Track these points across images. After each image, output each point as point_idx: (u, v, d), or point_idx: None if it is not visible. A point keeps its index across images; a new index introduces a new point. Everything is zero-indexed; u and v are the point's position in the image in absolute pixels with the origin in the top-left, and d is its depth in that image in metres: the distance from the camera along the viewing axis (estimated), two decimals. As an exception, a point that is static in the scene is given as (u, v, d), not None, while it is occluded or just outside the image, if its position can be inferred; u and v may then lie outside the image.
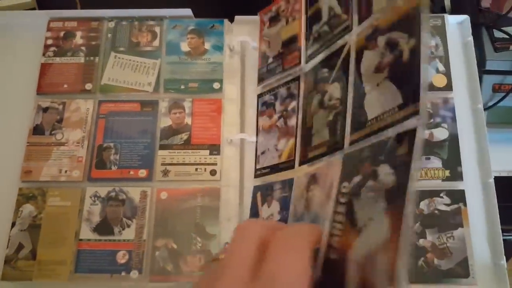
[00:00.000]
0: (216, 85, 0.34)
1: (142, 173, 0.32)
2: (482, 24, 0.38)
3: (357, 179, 0.18)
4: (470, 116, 0.34)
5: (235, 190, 0.32)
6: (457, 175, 0.32)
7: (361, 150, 0.19)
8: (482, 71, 0.38)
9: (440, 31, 0.35)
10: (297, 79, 0.29)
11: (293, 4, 0.32)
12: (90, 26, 0.37)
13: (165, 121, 0.34)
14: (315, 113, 0.25)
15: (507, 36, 0.38)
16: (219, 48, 0.35)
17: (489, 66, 0.38)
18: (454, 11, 0.38)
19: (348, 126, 0.21)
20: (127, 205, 0.32)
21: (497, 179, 0.32)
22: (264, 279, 0.13)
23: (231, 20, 0.36)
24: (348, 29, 0.23)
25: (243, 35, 0.35)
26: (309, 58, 0.28)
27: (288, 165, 0.28)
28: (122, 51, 0.36)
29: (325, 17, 0.27)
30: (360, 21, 0.22)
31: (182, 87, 0.34)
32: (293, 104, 0.29)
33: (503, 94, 0.38)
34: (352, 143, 0.20)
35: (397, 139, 0.17)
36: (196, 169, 0.32)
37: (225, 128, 0.33)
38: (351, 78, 0.22)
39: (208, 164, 0.32)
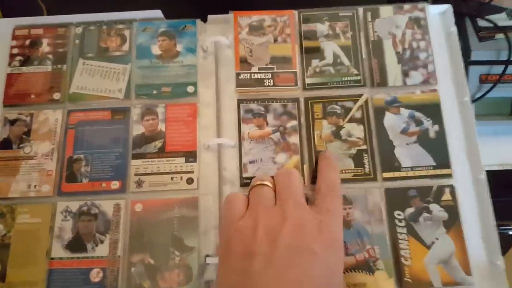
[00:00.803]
0: (190, 89, 0.32)
1: (115, 184, 0.30)
2: (464, 14, 0.37)
3: (410, 210, 0.29)
4: (457, 109, 0.32)
5: (214, 198, 0.30)
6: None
7: (406, 189, 0.29)
8: (468, 62, 0.36)
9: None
10: (295, 100, 0.32)
11: (282, 26, 0.33)
12: (56, 33, 0.35)
13: (137, 129, 0.32)
14: (330, 141, 0.30)
15: (491, 25, 0.36)
16: (192, 50, 0.33)
17: (475, 56, 0.36)
18: (434, 1, 0.36)
19: (379, 165, 0.30)
20: (100, 220, 0.30)
21: (488, 173, 0.30)
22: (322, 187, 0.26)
23: (204, 20, 0.34)
24: (361, 83, 0.32)
25: (216, 35, 0.33)
26: (309, 86, 0.32)
27: None
28: (90, 57, 0.34)
29: (329, 59, 0.32)
30: (375, 84, 0.32)
31: (155, 92, 0.32)
32: (293, 123, 0.31)
33: (491, 85, 0.36)
34: (386, 179, 0.30)
35: (440, 189, 0.29)
36: (172, 178, 0.30)
37: (201, 133, 0.31)
38: (373, 127, 0.31)
39: (185, 172, 0.30)
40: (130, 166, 0.31)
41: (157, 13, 0.34)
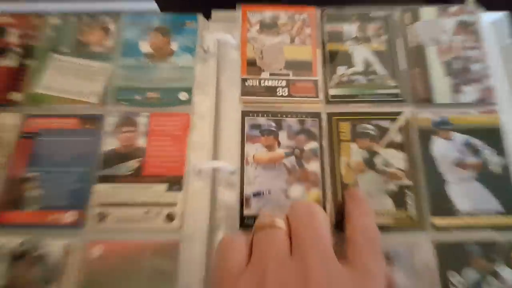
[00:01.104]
0: (183, 96, 0.23)
1: (70, 216, 0.20)
2: None
3: (471, 273, 0.19)
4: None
5: (201, 245, 0.19)
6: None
7: (465, 244, 0.19)
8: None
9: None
10: (316, 116, 0.22)
11: (301, 25, 0.23)
12: (29, 23, 0.26)
13: (110, 143, 0.22)
14: (360, 171, 0.21)
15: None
16: (189, 49, 0.24)
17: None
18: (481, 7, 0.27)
19: (427, 207, 0.20)
20: (43, 266, 0.19)
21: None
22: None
23: (206, 15, 0.25)
24: (398, 98, 0.22)
25: (220, 33, 0.24)
26: (334, 99, 0.22)
27: None
28: (65, 53, 0.25)
29: (359, 66, 0.23)
30: (418, 100, 0.22)
31: (137, 97, 0.23)
32: (313, 145, 0.21)
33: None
34: (440, 228, 0.20)
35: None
36: (147, 212, 0.20)
37: (193, 153, 0.21)
38: (417, 155, 0.21)
39: (165, 204, 0.20)
40: (94, 192, 0.21)
41: (151, 5, 0.25)
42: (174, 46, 0.24)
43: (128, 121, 0.22)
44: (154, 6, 0.25)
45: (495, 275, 0.19)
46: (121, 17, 0.25)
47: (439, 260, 0.19)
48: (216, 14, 0.25)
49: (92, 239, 0.19)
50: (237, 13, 0.24)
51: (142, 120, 0.22)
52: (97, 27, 0.25)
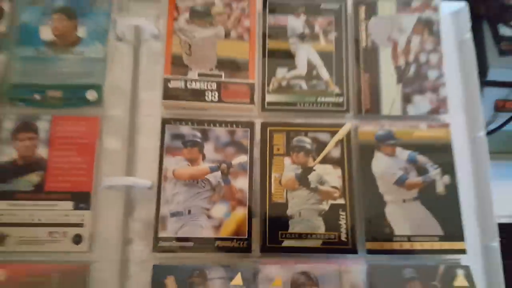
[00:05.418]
0: (91, 95, 0.21)
1: (-40, 239, 0.19)
2: (482, 17, 0.26)
3: None
4: (468, 148, 0.22)
5: (114, 267, 0.19)
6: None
7: (401, 268, 0.20)
8: (483, 82, 0.26)
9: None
10: (249, 126, 0.21)
11: (239, 15, 0.22)
12: None
13: (6, 153, 0.20)
14: (292, 189, 0.20)
15: (520, 35, 0.26)
16: (100, 36, 0.21)
17: (492, 75, 0.26)
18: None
19: (361, 230, 0.20)
20: None
21: (501, 227, 0.21)
22: None
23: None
24: (342, 107, 0.22)
25: (139, 18, 0.21)
26: (270, 107, 0.21)
27: (237, 245, 0.20)
28: None
29: (302, 69, 0.22)
30: (362, 111, 0.22)
31: (37, 96, 0.20)
32: (243, 158, 0.21)
33: (508, 115, 0.26)
34: (372, 252, 0.20)
35: (450, 270, 0.20)
36: (51, 233, 0.19)
37: (103, 166, 0.20)
38: (355, 172, 0.21)
39: (71, 225, 0.19)
40: (-12, 211, 0.19)
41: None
42: (81, 32, 0.21)
43: (26, 126, 0.20)
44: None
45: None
46: (14, -8, 0.21)
47: (372, 285, 0.20)
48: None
49: (-11, 263, 0.18)
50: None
51: (42, 124, 0.20)
52: (-17, 2, 0.21)
